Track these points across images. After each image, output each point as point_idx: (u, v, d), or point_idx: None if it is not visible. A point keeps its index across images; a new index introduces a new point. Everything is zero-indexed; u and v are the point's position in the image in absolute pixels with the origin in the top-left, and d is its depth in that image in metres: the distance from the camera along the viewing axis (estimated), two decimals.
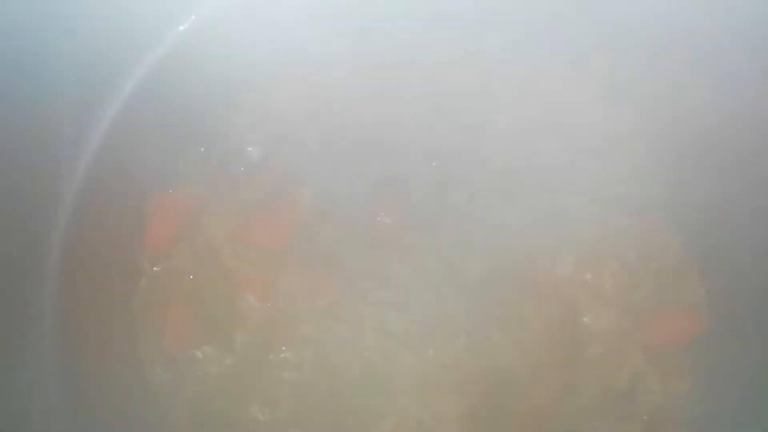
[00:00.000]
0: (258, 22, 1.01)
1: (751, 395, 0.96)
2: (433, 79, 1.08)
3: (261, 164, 1.06)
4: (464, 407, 0.97)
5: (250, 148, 1.08)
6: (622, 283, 1.03)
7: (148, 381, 1.01)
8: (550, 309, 1.01)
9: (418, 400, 0.97)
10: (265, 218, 1.03)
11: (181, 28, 0.97)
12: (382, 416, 0.97)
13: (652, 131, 1.05)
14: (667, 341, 1.03)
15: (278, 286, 1.02)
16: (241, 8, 1.01)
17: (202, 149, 1.06)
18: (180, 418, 1.01)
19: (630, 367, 1.00)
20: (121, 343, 1.01)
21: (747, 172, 0.97)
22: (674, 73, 0.99)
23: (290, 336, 1.00)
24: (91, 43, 0.89)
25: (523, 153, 1.05)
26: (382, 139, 1.06)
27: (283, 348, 1.00)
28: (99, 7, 0.89)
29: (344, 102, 1.06)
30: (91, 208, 0.92)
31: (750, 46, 0.91)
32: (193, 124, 1.04)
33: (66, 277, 0.92)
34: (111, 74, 0.94)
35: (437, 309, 1.00)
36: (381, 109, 1.06)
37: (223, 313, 1.02)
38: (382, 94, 1.07)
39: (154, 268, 1.03)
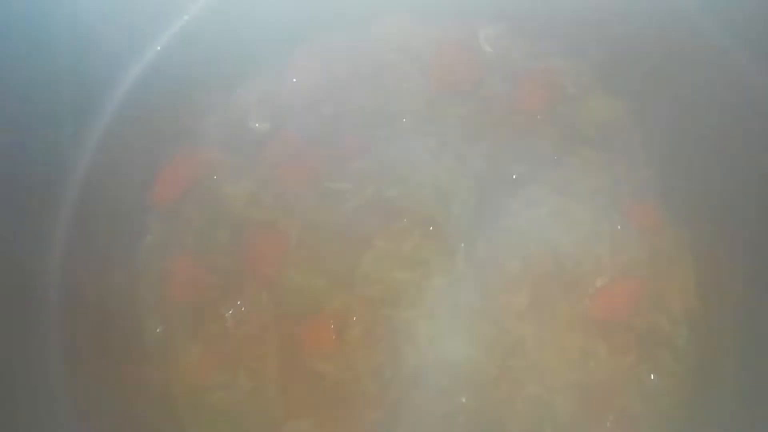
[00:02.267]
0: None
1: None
2: (430, 69, 1.10)
3: (271, 132, 1.08)
4: None
5: (257, 123, 1.10)
6: (614, 271, 1.06)
7: (144, 335, 1.04)
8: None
9: None
10: (275, 179, 1.06)
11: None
12: None
13: (647, 119, 1.08)
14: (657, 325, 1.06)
15: (287, 245, 1.05)
16: None
17: (214, 116, 1.08)
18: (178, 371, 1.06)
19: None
20: (122, 298, 1.03)
21: (744, 161, 0.99)
22: (672, 64, 1.00)
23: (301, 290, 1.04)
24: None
25: (519, 142, 1.07)
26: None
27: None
28: None
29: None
30: (105, 162, 0.94)
31: (749, 36, 0.93)
32: (206, 94, 1.06)
33: (74, 231, 0.93)
34: (135, 39, 0.95)
35: None
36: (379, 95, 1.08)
37: (230, 270, 1.04)
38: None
39: (161, 225, 1.05)
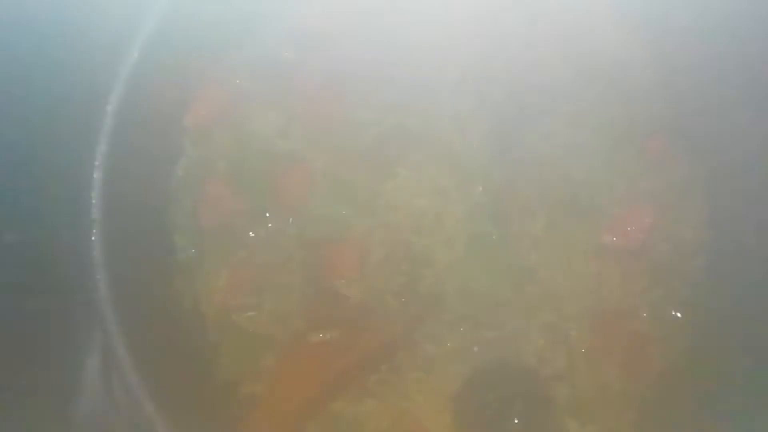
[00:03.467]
0: None
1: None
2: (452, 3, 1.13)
3: (298, 63, 1.13)
4: None
5: (285, 54, 1.14)
6: (629, 200, 1.08)
7: (177, 254, 1.10)
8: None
9: None
10: (302, 108, 1.11)
11: None
12: None
13: (664, 53, 1.10)
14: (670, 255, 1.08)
15: (312, 174, 1.09)
16: None
17: (245, 44, 1.13)
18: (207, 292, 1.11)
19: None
20: (157, 217, 1.09)
21: (763, 94, 1.01)
22: None
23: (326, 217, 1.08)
24: None
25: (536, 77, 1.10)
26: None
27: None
28: None
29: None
30: (143, 83, 0.98)
31: None
32: (236, 25, 1.11)
33: (112, 156, 0.98)
34: None
35: None
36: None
37: (258, 196, 1.09)
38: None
39: (195, 148, 1.11)
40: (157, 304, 1.06)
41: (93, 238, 0.97)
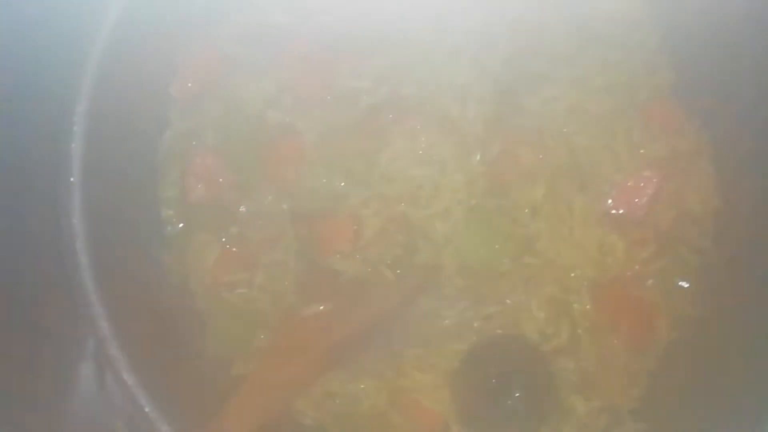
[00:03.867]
0: None
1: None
2: None
3: (290, 30, 1.08)
4: None
5: (275, 21, 1.10)
6: (631, 167, 1.05)
7: (164, 228, 1.07)
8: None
9: None
10: (293, 77, 1.06)
11: None
12: None
13: (666, 17, 1.07)
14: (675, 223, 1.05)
15: (304, 145, 1.06)
16: None
17: (233, 10, 1.09)
18: (196, 267, 1.08)
19: None
20: (143, 190, 1.06)
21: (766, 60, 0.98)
22: None
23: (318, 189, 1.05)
24: None
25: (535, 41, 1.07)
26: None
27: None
28: None
29: None
30: (124, 49, 0.94)
31: None
32: None
33: (93, 122, 0.94)
34: None
35: None
36: None
37: (249, 168, 1.06)
38: None
39: (181, 118, 1.07)
40: (144, 281, 1.02)
41: (75, 213, 0.93)
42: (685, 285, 1.05)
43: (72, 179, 0.93)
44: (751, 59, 1.01)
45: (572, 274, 1.03)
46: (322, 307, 0.99)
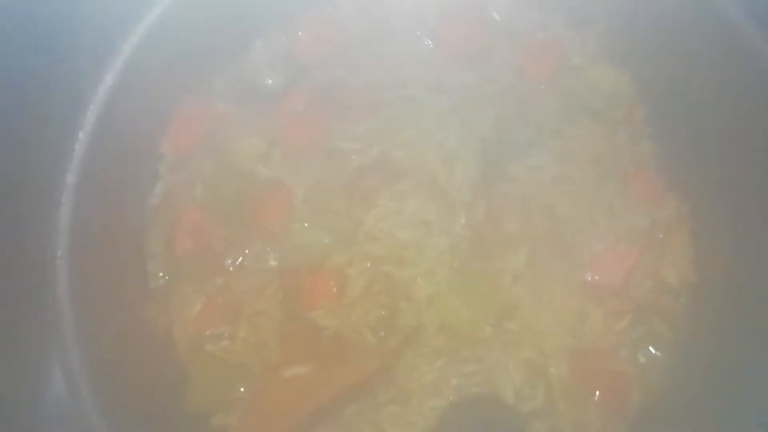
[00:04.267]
0: None
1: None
2: (439, 36, 1.12)
3: (282, 90, 1.10)
4: None
5: (269, 80, 1.12)
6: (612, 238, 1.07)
7: (150, 279, 1.07)
8: None
9: None
10: (285, 136, 1.08)
11: None
12: None
13: (651, 92, 1.11)
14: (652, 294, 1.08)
15: (293, 202, 1.07)
16: None
17: (228, 70, 1.11)
18: (181, 318, 1.08)
19: None
20: (131, 242, 1.06)
21: (746, 136, 1.01)
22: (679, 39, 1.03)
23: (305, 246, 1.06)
24: None
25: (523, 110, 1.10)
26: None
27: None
28: None
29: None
30: (118, 108, 0.96)
31: (759, 9, 0.94)
32: (220, 48, 1.09)
33: (86, 174, 0.96)
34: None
35: None
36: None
37: (236, 223, 1.07)
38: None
39: (172, 173, 1.08)
40: (127, 334, 1.03)
41: (59, 261, 0.94)
42: (659, 354, 1.07)
43: (59, 233, 0.94)
44: (735, 135, 1.04)
45: (550, 341, 1.06)
46: (304, 370, 1.01)
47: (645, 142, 1.11)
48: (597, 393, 1.05)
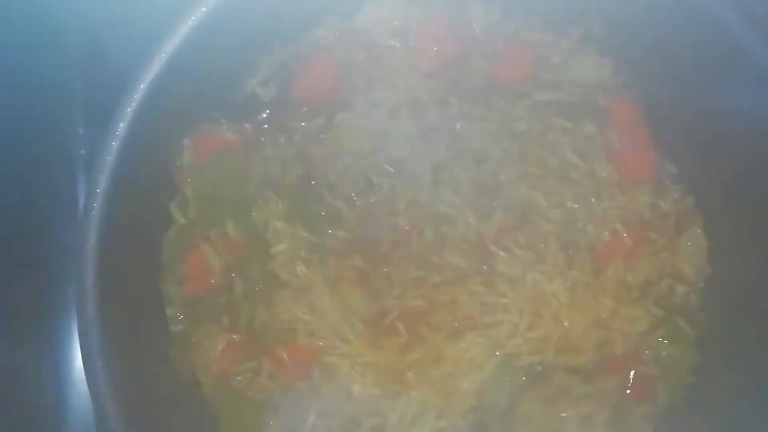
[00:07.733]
0: None
1: None
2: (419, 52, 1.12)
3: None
4: None
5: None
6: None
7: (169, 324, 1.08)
8: None
9: None
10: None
11: None
12: None
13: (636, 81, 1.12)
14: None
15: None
16: None
17: (239, 100, 1.12)
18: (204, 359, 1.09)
19: None
20: (150, 290, 1.07)
21: (744, 124, 1.02)
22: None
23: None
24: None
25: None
26: None
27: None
28: None
29: None
30: (133, 152, 0.96)
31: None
32: (231, 78, 1.10)
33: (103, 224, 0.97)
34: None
35: None
36: None
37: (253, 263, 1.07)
38: None
39: (184, 219, 1.08)
40: (154, 379, 1.03)
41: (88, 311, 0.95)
42: (682, 353, 1.08)
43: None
44: (732, 123, 1.04)
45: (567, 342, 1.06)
46: None
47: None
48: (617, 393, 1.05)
